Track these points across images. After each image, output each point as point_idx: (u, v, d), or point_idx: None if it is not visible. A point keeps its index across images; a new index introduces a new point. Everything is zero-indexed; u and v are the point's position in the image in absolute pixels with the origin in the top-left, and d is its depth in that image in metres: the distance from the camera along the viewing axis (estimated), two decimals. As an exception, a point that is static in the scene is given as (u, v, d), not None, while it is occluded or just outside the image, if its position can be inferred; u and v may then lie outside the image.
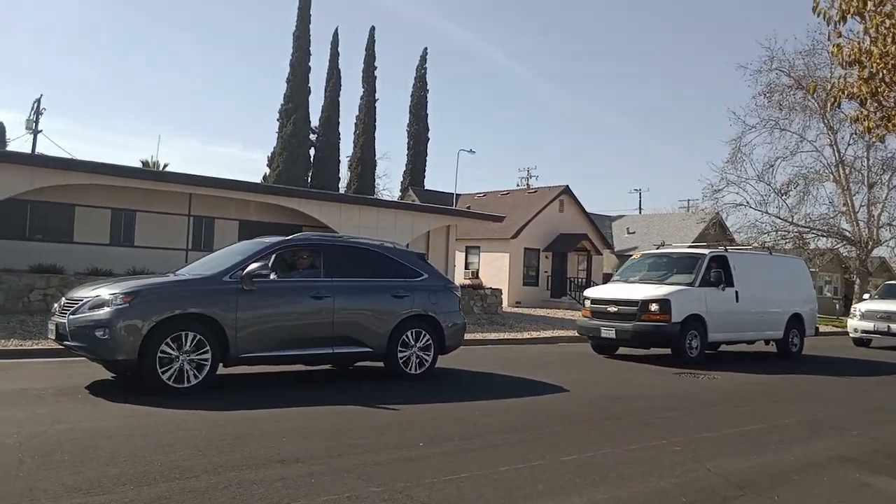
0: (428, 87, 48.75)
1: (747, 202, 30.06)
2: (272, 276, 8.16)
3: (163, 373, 7.13)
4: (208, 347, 7.38)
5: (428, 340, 9.13)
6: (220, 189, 19.28)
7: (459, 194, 39.16)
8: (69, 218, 17.69)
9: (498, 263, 31.22)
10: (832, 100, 8.20)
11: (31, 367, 9.12)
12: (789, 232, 30.12)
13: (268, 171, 42.37)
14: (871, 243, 29.55)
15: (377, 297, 8.85)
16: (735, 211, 30.84)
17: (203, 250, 19.40)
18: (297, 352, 8.25)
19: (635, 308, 12.20)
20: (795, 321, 14.79)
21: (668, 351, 12.71)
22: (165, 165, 41.94)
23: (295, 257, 8.81)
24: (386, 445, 5.60)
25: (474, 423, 6.69)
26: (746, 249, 16.13)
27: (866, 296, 22.64)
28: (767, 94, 29.01)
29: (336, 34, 45.01)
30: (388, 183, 76.26)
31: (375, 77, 45.89)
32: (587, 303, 13.44)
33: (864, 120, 8.43)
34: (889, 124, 8.50)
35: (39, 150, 36.16)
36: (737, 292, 13.22)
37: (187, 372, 7.27)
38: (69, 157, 23.65)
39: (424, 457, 5.30)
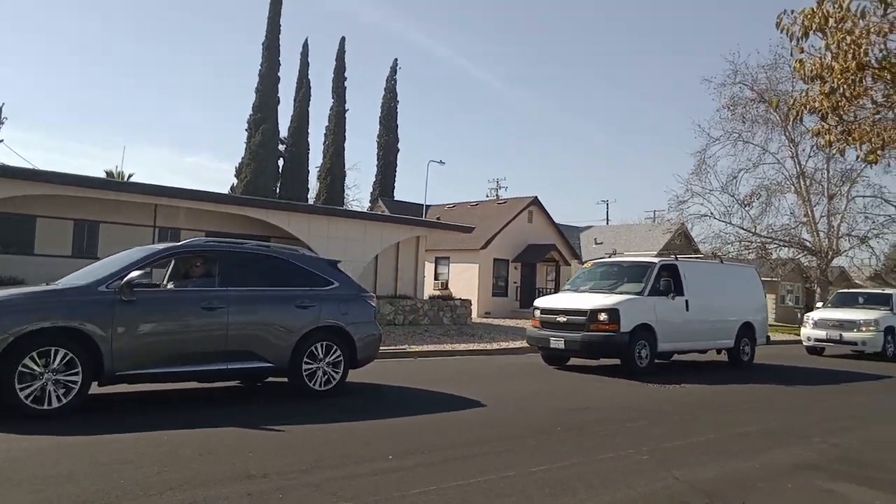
0: (398, 98, 48.95)
1: (711, 213, 30.56)
2: (166, 285, 7.74)
3: (21, 391, 6.35)
4: (78, 365, 6.65)
5: (338, 354, 8.51)
6: (187, 200, 19.03)
7: (429, 205, 39.19)
8: (30, 229, 17.29)
9: (467, 274, 31.27)
10: (794, 114, 8.39)
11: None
12: (752, 242, 30.67)
13: (236, 181, 41.97)
14: (831, 253, 30.21)
15: (279, 307, 8.21)
16: (700, 221, 31.33)
17: (169, 262, 19.11)
18: (185, 368, 7.52)
19: (584, 318, 12.01)
20: (747, 330, 14.80)
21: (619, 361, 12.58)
22: (130, 175, 41.27)
23: (188, 265, 8.22)
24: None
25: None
26: (697, 258, 16.05)
27: (819, 304, 22.59)
28: (731, 107, 29.59)
29: (306, 44, 44.96)
30: (358, 193, 76.34)
31: (345, 87, 45.88)
32: (536, 313, 13.22)
33: (826, 134, 8.63)
34: (849, 138, 8.72)
35: (1, 160, 35.39)
36: (687, 301, 13.09)
37: (51, 392, 6.49)
38: (31, 167, 23.13)
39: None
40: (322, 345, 8.41)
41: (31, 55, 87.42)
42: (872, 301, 19.89)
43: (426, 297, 25.43)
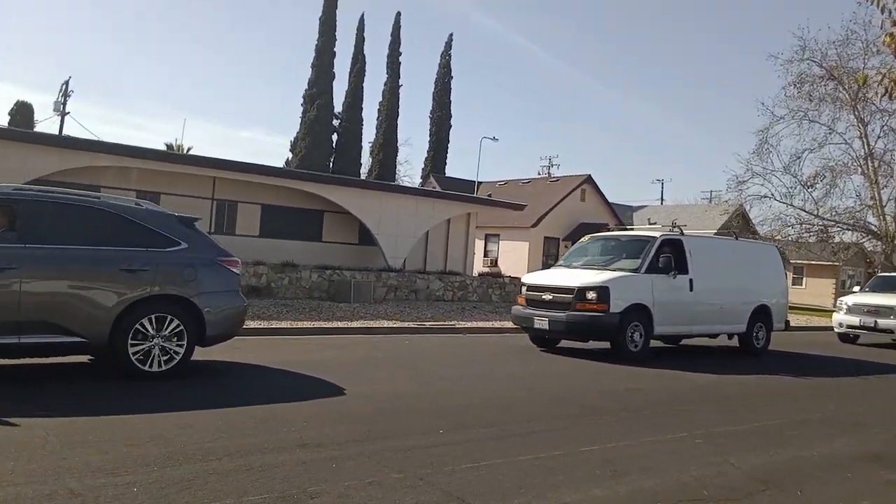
0: (452, 74, 48.68)
1: (772, 194, 29.62)
2: None
3: None
4: None
5: (178, 329, 7.11)
6: (244, 173, 19.42)
7: (481, 182, 39.07)
8: (95, 199, 17.86)
9: (517, 252, 31.18)
10: (884, 90, 7.94)
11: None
12: (814, 225, 29.69)
13: (290, 155, 42.56)
14: (897, 238, 29.02)
15: (96, 270, 6.82)
16: (759, 203, 30.38)
17: (225, 233, 19.60)
18: None
19: (570, 296, 11.02)
20: (761, 314, 13.51)
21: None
22: (189, 149, 42.34)
23: None
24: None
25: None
26: (708, 234, 15.00)
27: (856, 288, 21.03)
28: (797, 85, 28.50)
29: (362, 19, 45.10)
30: (410, 169, 76.28)
31: (400, 63, 45.84)
32: (523, 289, 12.28)
33: None
34: None
35: (66, 132, 36.66)
36: (691, 280, 11.97)
37: None
38: (96, 139, 23.89)
39: None
40: (156, 317, 7.00)
41: (93, 28, 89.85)
42: None
43: (475, 273, 25.47)
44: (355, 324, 13.63)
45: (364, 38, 44.66)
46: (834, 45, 27.77)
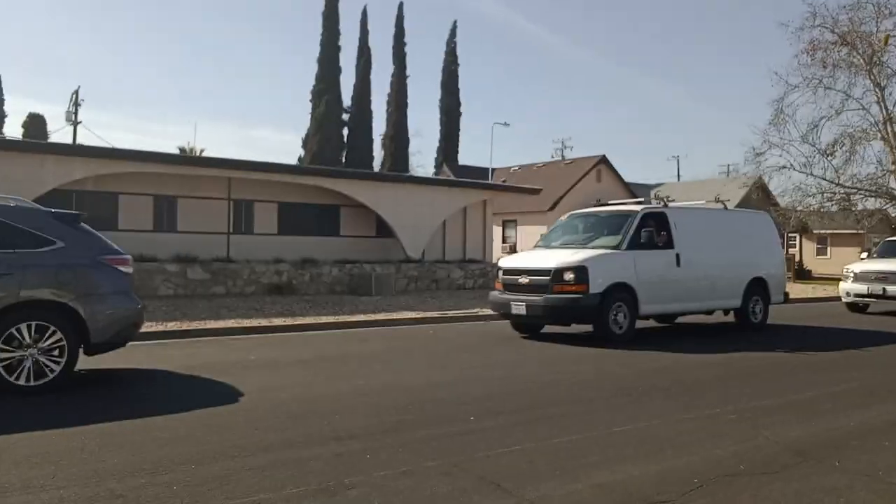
0: (458, 62, 48.55)
1: (791, 164, 29.16)
2: None
3: None
4: None
5: (56, 337, 6.42)
6: (259, 172, 19.51)
7: (494, 168, 38.97)
8: (113, 206, 18.05)
9: (535, 237, 31.06)
10: None
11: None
12: (836, 194, 29.24)
13: (302, 152, 42.70)
14: (921, 202, 28.55)
15: None
16: (778, 174, 29.92)
17: (244, 233, 19.72)
18: None
19: (547, 278, 10.45)
20: (757, 287, 12.78)
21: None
22: (202, 151, 42.55)
23: None
24: None
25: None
26: (695, 204, 13.97)
27: (863, 255, 19.97)
28: (810, 52, 27.97)
29: (364, 12, 44.95)
30: (422, 159, 76.45)
31: (405, 53, 45.78)
32: (499, 273, 11.67)
33: None
34: None
35: (79, 141, 36.99)
36: (678, 255, 11.34)
37: None
38: (109, 146, 24.09)
39: None
40: (28, 326, 6.32)
41: (96, 36, 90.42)
42: None
43: (495, 260, 25.43)
44: (378, 316, 13.67)
45: (368, 31, 44.67)
46: (845, 9, 27.27)
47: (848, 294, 17.18)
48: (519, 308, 10.75)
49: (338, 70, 42.56)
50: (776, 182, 31.63)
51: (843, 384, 7.54)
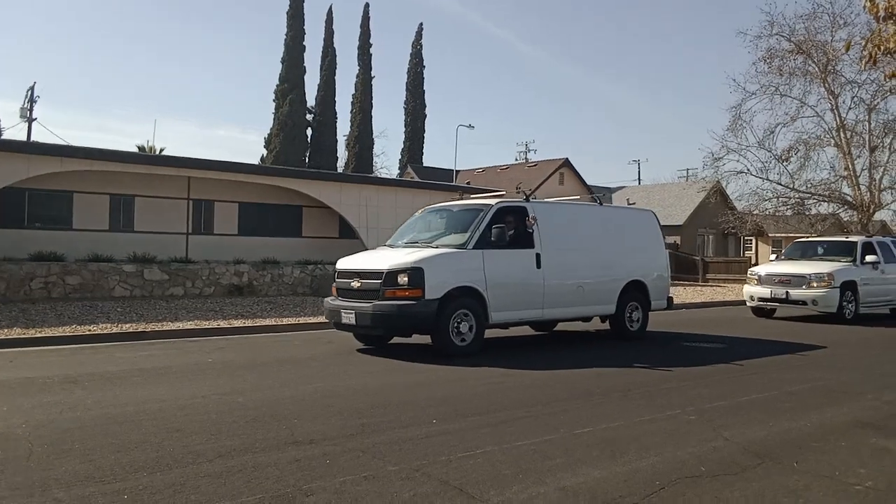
0: (424, 63, 48.48)
1: (748, 169, 29.78)
2: None
3: None
4: None
5: None
6: (219, 171, 19.17)
7: (459, 170, 38.99)
8: (68, 205, 17.58)
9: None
10: (868, 55, 7.94)
11: (36, 356, 9.07)
12: (790, 198, 29.96)
13: (265, 152, 42.17)
14: (872, 207, 29.36)
15: None
16: (736, 178, 30.54)
17: (203, 233, 19.37)
18: None
19: (379, 282, 9.14)
20: (635, 292, 11.62)
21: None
22: (162, 150, 41.71)
23: None
24: None
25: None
26: (564, 200, 12.80)
27: (772, 256, 19.24)
28: (767, 60, 28.64)
29: (330, 12, 44.58)
30: (387, 161, 76.31)
31: (371, 55, 45.52)
32: (336, 276, 10.32)
33: None
34: None
35: (34, 138, 35.92)
36: (538, 255, 10.12)
37: None
38: (65, 144, 23.44)
39: None
40: None
41: (55, 33, 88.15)
42: (834, 251, 16.75)
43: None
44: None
45: (333, 31, 44.33)
46: (801, 19, 27.98)
47: (752, 298, 16.32)
48: (349, 317, 9.32)
49: (302, 70, 42.15)
50: (734, 186, 32.41)
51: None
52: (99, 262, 16.36)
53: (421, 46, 48.31)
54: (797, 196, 29.87)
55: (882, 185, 29.36)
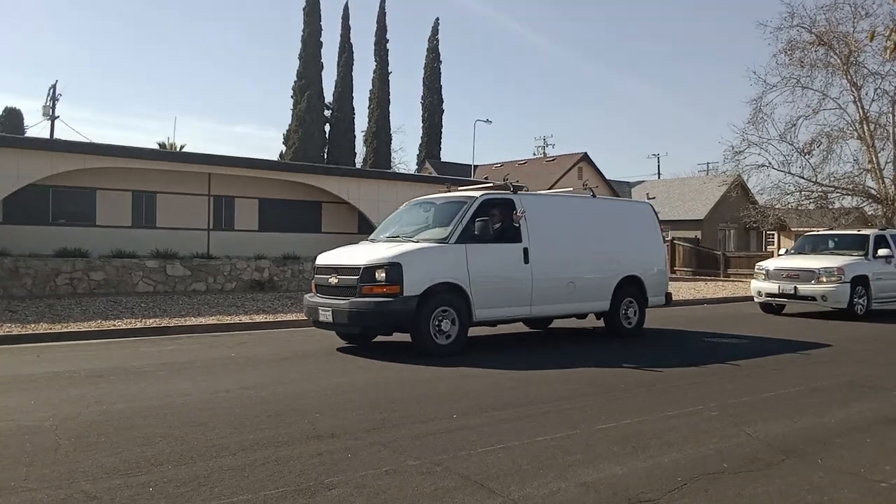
0: (441, 59, 48.39)
1: (769, 163, 29.43)
2: None
3: None
4: None
5: None
6: (239, 168, 19.31)
7: (477, 165, 38.94)
8: (91, 201, 17.79)
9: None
10: (892, 45, 7.81)
11: (62, 350, 9.21)
12: (813, 192, 29.57)
13: (284, 148, 42.35)
14: (896, 201, 28.92)
15: None
16: (757, 172, 30.22)
17: (224, 229, 19.53)
18: None
19: (356, 278, 8.74)
20: (631, 287, 11.14)
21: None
22: (182, 146, 42.15)
23: None
24: None
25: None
26: (557, 192, 12.29)
27: (782, 251, 18.59)
28: (788, 52, 28.27)
29: (346, 8, 44.62)
30: (405, 156, 76.51)
31: (387, 50, 45.53)
32: (315, 272, 9.98)
33: None
34: None
35: (57, 136, 36.40)
36: (525, 250, 9.70)
37: None
38: (87, 141, 23.73)
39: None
40: None
41: (77, 32, 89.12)
42: (845, 244, 16.10)
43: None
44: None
45: (350, 27, 44.35)
46: (822, 10, 27.67)
47: (759, 294, 15.79)
48: (326, 314, 8.96)
49: (319, 66, 42.25)
50: (755, 180, 31.94)
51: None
52: (122, 258, 16.56)
53: (437, 42, 48.24)
54: (820, 190, 29.47)
55: (906, 179, 28.91)
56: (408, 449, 4.74)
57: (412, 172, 42.24)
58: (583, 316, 11.23)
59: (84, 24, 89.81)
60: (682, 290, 22.76)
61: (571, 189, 12.35)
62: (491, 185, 12.06)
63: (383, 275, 8.53)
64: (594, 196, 11.79)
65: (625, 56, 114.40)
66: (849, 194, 29.98)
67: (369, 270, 8.63)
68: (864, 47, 26.43)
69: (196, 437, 4.94)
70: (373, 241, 10.02)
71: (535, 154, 54.37)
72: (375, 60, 45.42)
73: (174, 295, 16.16)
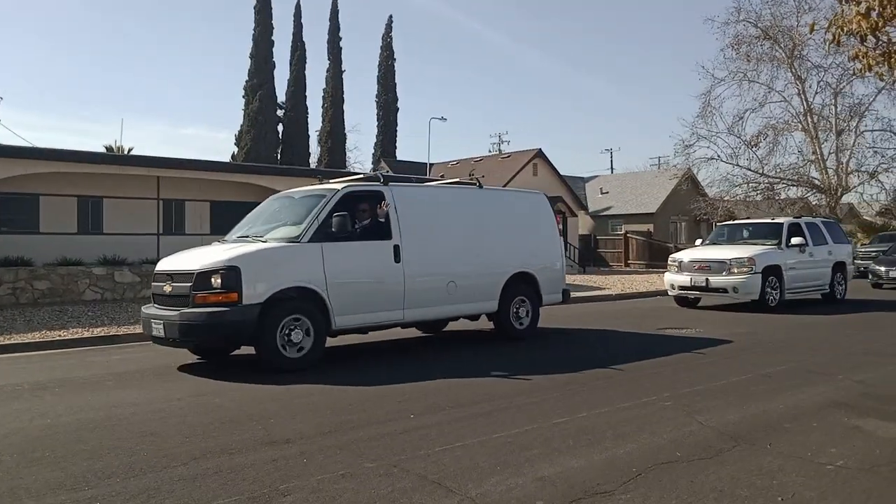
0: (395, 56, 48.22)
1: (718, 156, 30.21)
2: None
3: None
4: None
5: None
6: (189, 170, 18.93)
7: (432, 163, 38.91)
8: (34, 208, 17.22)
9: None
10: (832, 37, 8.02)
11: (5, 363, 8.88)
12: (760, 183, 30.40)
13: (236, 149, 41.69)
14: (840, 190, 29.91)
15: None
16: (706, 165, 31.03)
17: (175, 233, 19.12)
18: None
19: (188, 285, 7.63)
20: (522, 285, 10.30)
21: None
22: (130, 150, 41.07)
23: None
24: None
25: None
26: (442, 184, 11.54)
27: (698, 241, 17.75)
28: (735, 46, 29.06)
29: (298, 6, 44.09)
30: (360, 155, 75.87)
31: (341, 48, 45.16)
32: (153, 279, 8.72)
33: (864, 57, 8.21)
34: (890, 61, 8.22)
35: (-2, 140, 35.12)
36: (396, 247, 8.74)
37: None
38: (30, 145, 22.97)
39: None
40: None
41: (20, 34, 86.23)
42: (759, 233, 15.70)
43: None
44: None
45: (302, 25, 43.87)
46: (767, 4, 28.44)
47: (673, 287, 15.04)
48: (158, 328, 7.81)
49: (272, 65, 41.69)
50: (704, 173, 32.74)
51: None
52: (68, 266, 16.07)
53: (391, 39, 48.05)
54: (767, 181, 30.33)
55: (849, 169, 29.93)
56: (364, 451, 4.68)
57: (367, 172, 42.01)
58: (474, 318, 10.33)
59: (28, 25, 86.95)
60: (636, 282, 23.15)
61: (458, 179, 11.65)
62: (361, 175, 11.20)
63: (219, 281, 7.46)
64: (480, 187, 10.84)
65: (578, 51, 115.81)
66: (794, 185, 30.91)
67: (203, 276, 7.55)
68: (807, 41, 27.29)
69: (146, 447, 4.81)
70: (224, 241, 8.94)
71: (490, 151, 54.60)
72: (329, 59, 45.03)
73: (123, 302, 15.75)
